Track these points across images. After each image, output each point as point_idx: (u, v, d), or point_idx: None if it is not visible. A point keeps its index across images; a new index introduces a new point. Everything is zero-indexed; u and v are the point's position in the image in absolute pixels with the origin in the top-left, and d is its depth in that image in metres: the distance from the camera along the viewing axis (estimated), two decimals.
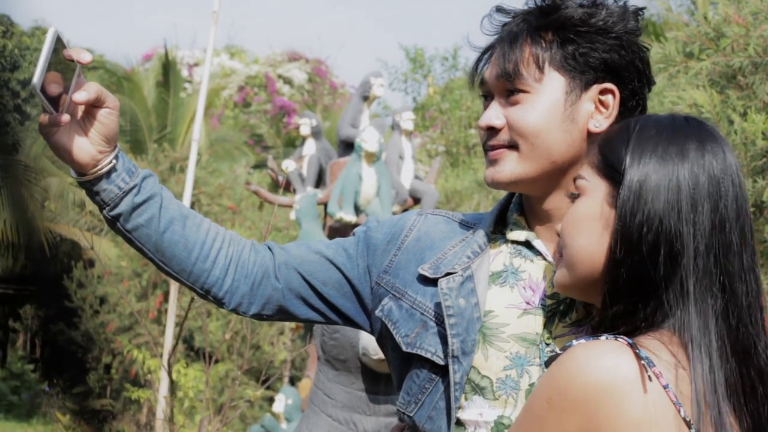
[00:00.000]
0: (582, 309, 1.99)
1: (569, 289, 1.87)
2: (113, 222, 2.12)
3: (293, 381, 13.43)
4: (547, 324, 2.01)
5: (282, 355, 13.83)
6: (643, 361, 1.63)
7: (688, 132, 1.78)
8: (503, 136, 2.04)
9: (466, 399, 2.02)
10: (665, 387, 1.63)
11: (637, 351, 1.64)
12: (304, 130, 10.25)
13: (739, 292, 1.71)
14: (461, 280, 2.06)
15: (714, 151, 1.75)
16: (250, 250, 2.25)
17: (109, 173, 2.06)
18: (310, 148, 10.13)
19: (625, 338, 1.67)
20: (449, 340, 2.01)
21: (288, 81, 27.62)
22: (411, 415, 2.08)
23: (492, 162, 2.06)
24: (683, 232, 1.69)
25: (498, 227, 2.18)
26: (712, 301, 1.69)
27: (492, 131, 2.05)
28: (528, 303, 2.04)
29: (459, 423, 2.02)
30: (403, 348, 2.09)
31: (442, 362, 2.03)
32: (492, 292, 2.08)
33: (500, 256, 2.13)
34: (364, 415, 3.83)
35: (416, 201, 9.46)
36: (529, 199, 2.13)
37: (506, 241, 2.14)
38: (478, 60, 2.12)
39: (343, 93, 27.15)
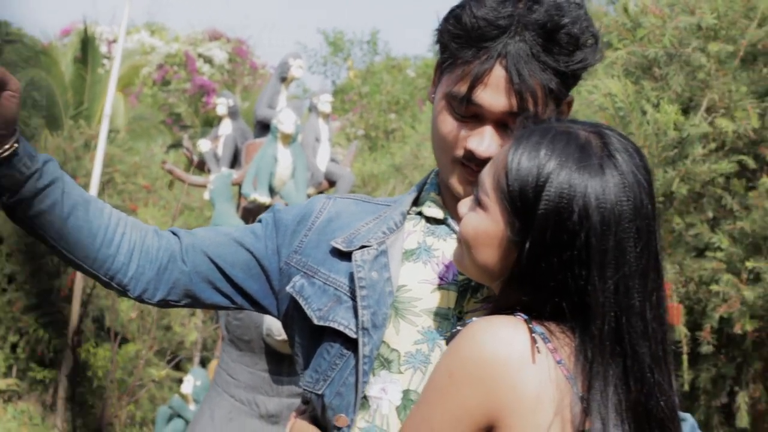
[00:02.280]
0: None
1: (465, 269, 1.90)
2: (12, 209, 2.05)
3: (204, 362, 13.36)
4: (459, 299, 2.03)
5: (192, 336, 13.75)
6: (534, 335, 1.67)
7: (600, 159, 1.74)
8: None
9: (373, 374, 2.02)
10: (558, 362, 1.67)
11: (532, 327, 1.68)
12: (221, 110, 10.17)
13: (641, 353, 1.72)
14: (375, 253, 2.06)
15: (622, 178, 1.74)
16: (153, 236, 2.21)
17: (9, 158, 1.98)
18: (226, 128, 10.06)
19: (522, 314, 1.71)
20: (359, 311, 2.01)
21: (208, 60, 27.43)
22: (319, 392, 2.07)
23: (471, 182, 2.03)
24: (592, 287, 1.71)
25: (414, 207, 2.20)
26: (612, 368, 1.70)
27: (485, 159, 1.97)
28: (441, 279, 2.06)
29: (365, 399, 2.02)
30: (315, 321, 2.07)
31: (354, 335, 2.02)
32: (405, 268, 2.09)
33: (415, 234, 2.14)
34: (266, 396, 3.81)
35: (331, 184, 9.44)
36: (445, 180, 2.13)
37: (422, 219, 2.16)
38: (476, 81, 1.99)
39: (263, 74, 27.02)
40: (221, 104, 10.18)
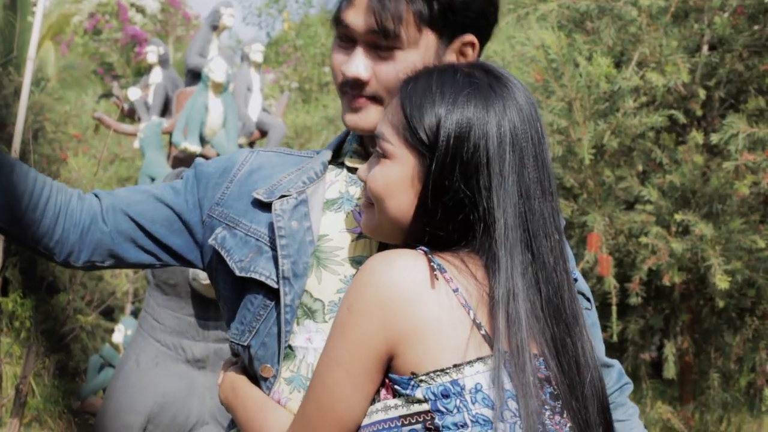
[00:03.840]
0: None
1: (376, 234, 1.94)
2: None
3: (136, 313, 13.28)
4: (381, 246, 2.00)
5: (124, 286, 13.65)
6: (433, 264, 1.71)
7: (488, 84, 1.81)
8: (369, 89, 2.01)
9: (298, 324, 2.01)
10: (455, 290, 1.71)
11: (430, 257, 1.72)
12: (151, 58, 10.02)
13: (545, 252, 1.79)
14: (295, 203, 2.05)
15: (511, 100, 1.81)
16: (77, 199, 2.17)
17: None
18: (156, 76, 9.92)
19: (423, 248, 1.75)
20: (280, 261, 2.00)
21: (140, 10, 27.04)
22: (245, 344, 2.06)
23: (354, 109, 2.04)
24: (493, 200, 1.76)
25: (336, 157, 2.18)
26: (521, 266, 1.75)
27: (357, 81, 2.00)
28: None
29: (291, 349, 2.01)
30: (237, 272, 2.06)
31: (275, 285, 2.01)
32: (326, 218, 2.09)
33: (336, 184, 2.14)
34: (192, 341, 3.78)
35: (263, 134, 9.36)
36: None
37: (344, 169, 2.15)
38: (343, 1, 2.04)
39: (196, 24, 26.69)
40: (151, 52, 10.03)
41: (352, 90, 2.03)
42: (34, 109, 11.36)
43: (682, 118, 6.52)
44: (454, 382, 1.66)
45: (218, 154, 8.27)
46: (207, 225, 2.17)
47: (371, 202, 1.89)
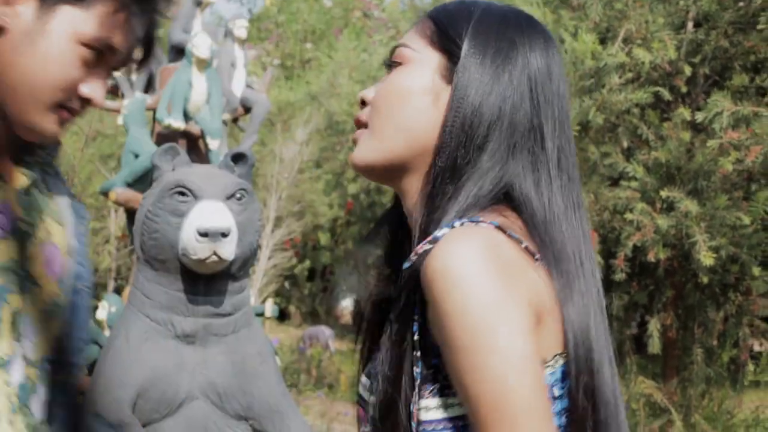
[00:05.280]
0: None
1: (373, 166, 1.66)
2: None
3: (119, 290, 13.26)
4: (21, 248, 1.82)
5: (106, 262, 13.63)
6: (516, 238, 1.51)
7: (531, 27, 1.65)
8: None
9: None
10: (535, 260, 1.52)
11: (509, 233, 1.51)
12: None
13: (577, 179, 1.65)
14: None
15: (551, 52, 1.64)
16: None
17: None
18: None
19: (488, 221, 1.52)
20: None
21: None
22: None
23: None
24: (539, 119, 1.59)
25: None
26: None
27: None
28: (1, 228, 1.81)
29: None
30: None
31: None
32: None
33: None
34: (182, 316, 3.77)
35: (247, 110, 9.34)
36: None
37: None
38: None
39: (178, 0, 26.61)
40: None
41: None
42: None
43: (667, 94, 6.55)
44: (563, 365, 1.52)
45: (202, 131, 8.26)
46: None
47: (365, 123, 1.67)
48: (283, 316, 23.13)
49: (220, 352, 3.84)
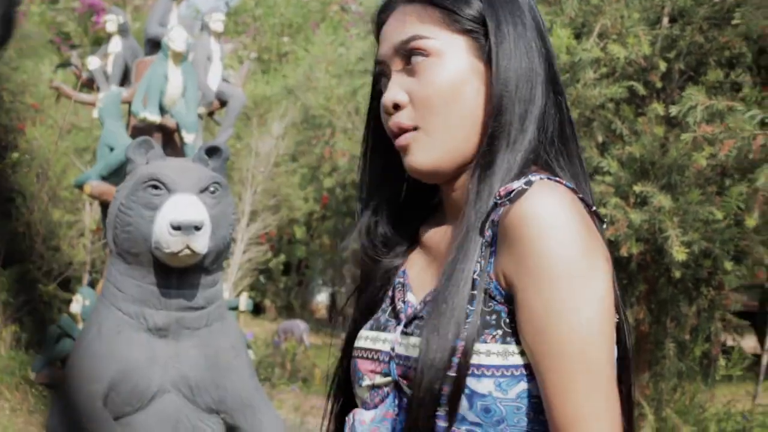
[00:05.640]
0: None
1: (440, 165, 1.64)
2: None
3: (93, 283, 13.21)
4: None
5: (81, 255, 13.58)
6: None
7: None
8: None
9: None
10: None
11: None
12: (111, 27, 9.95)
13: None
14: None
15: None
16: None
17: None
18: (116, 45, 9.85)
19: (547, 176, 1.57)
20: None
21: None
22: None
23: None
24: (555, 67, 1.67)
25: None
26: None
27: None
28: None
29: None
30: None
31: None
32: None
33: None
34: (154, 309, 3.77)
35: (223, 104, 9.34)
36: None
37: None
38: None
39: None
40: (111, 21, 9.95)
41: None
42: None
43: (642, 89, 6.56)
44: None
45: (177, 124, 8.24)
46: None
47: (414, 126, 1.63)
48: (258, 310, 23.11)
49: (192, 346, 3.84)
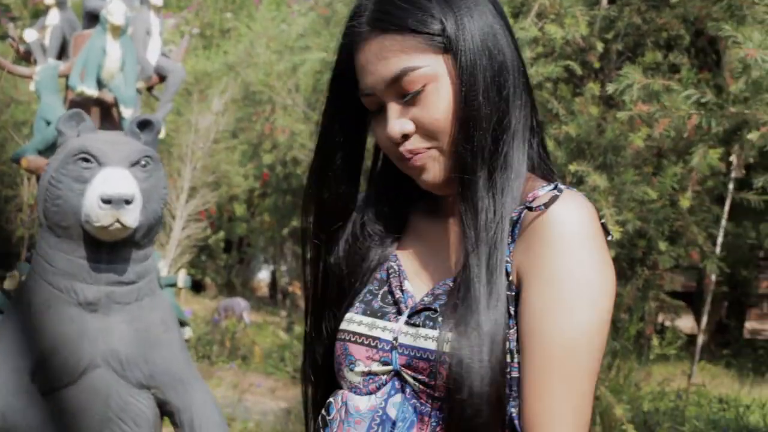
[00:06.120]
0: None
1: (442, 185, 1.70)
2: None
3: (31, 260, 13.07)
4: None
5: (19, 231, 13.45)
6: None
7: None
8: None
9: None
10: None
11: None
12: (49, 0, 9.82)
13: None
14: None
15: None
16: None
17: None
18: (53, 18, 9.71)
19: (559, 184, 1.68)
20: None
21: None
22: None
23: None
24: (518, 50, 1.72)
25: None
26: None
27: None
28: None
29: None
30: None
31: None
32: None
33: None
34: (85, 284, 3.74)
35: (162, 78, 9.24)
36: None
37: None
38: None
39: None
40: None
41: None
42: None
43: (579, 69, 6.59)
44: None
45: (116, 98, 8.16)
46: None
47: (430, 145, 1.67)
48: (198, 288, 23.01)
49: (122, 321, 3.82)
